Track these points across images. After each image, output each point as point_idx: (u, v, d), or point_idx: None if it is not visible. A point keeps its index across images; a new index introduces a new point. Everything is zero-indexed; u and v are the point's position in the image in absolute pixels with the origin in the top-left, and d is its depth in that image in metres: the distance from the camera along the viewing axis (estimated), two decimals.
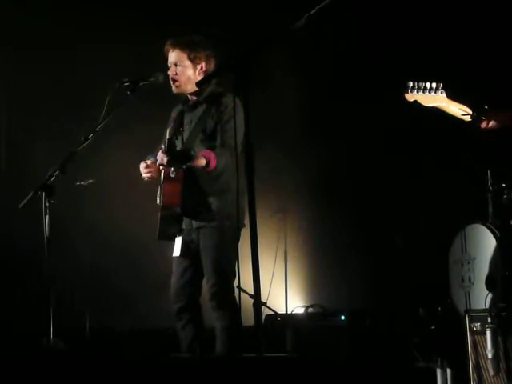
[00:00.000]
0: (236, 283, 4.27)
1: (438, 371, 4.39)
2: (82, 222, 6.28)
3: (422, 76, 4.26)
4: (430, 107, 4.18)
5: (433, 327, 5.60)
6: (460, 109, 4.23)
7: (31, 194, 4.02)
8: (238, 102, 3.73)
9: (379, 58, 6.92)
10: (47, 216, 3.96)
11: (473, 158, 5.35)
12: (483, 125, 4.20)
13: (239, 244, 4.36)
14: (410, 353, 5.36)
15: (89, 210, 6.32)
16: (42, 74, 6.61)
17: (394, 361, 5.27)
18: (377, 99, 6.73)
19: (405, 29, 6.77)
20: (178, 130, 4.50)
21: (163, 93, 4.55)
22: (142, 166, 4.48)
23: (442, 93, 4.17)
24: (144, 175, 4.48)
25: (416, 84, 4.15)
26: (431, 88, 4.15)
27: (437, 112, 4.22)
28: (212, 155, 4.27)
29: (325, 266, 7.45)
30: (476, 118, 4.15)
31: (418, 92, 4.16)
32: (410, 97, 4.18)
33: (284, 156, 7.36)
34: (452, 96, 4.15)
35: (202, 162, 4.26)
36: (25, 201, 4.04)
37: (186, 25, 6.54)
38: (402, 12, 6.76)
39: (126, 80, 4.23)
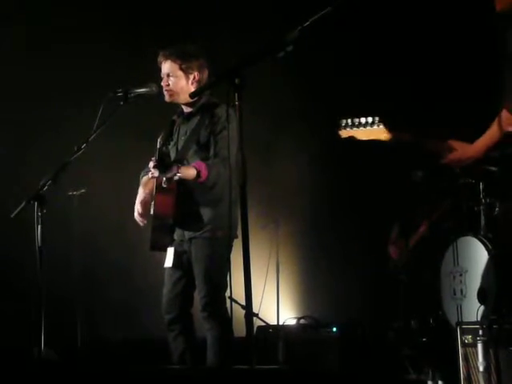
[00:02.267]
0: (228, 294, 4.27)
1: (430, 383, 4.39)
2: (74, 231, 6.26)
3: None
4: (367, 141, 4.10)
5: (424, 339, 5.60)
6: (402, 139, 4.16)
7: (23, 204, 4.00)
8: (231, 112, 3.74)
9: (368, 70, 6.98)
10: (39, 226, 3.95)
11: (464, 170, 5.37)
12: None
13: (231, 255, 4.36)
14: (401, 365, 5.37)
15: (81, 219, 6.30)
16: (35, 82, 6.61)
17: (386, 373, 5.27)
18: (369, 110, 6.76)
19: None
20: (168, 140, 4.52)
21: (156, 103, 4.56)
22: (138, 210, 4.47)
23: (378, 126, 4.09)
24: (136, 218, 4.49)
25: (350, 121, 4.07)
26: (366, 123, 4.06)
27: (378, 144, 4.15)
28: (203, 166, 4.27)
29: (317, 278, 7.46)
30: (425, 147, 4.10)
31: (352, 128, 4.08)
32: (345, 133, 4.10)
33: (277, 167, 7.37)
34: (392, 128, 4.09)
35: (193, 172, 4.26)
36: (17, 210, 4.03)
37: (181, 34, 6.56)
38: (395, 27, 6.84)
39: (119, 90, 4.23)
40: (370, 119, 4.02)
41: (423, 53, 6.81)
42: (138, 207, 4.50)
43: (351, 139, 4.01)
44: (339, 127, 4.01)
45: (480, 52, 6.20)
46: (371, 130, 4.05)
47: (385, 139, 4.04)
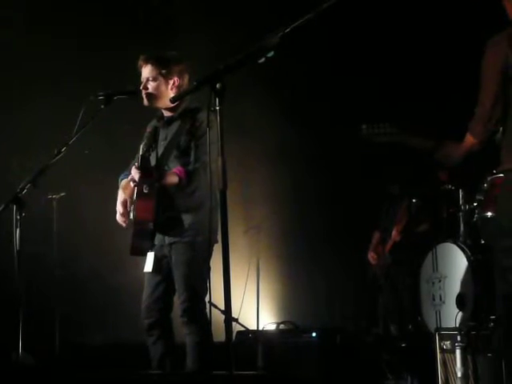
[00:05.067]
0: (207, 299, 4.27)
1: None
2: (54, 235, 6.23)
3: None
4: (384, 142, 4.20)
5: (403, 345, 5.63)
6: (416, 141, 4.26)
7: (2, 207, 3.99)
8: (212, 117, 3.73)
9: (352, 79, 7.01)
10: (18, 229, 3.93)
11: (446, 177, 5.42)
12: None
13: (212, 260, 4.36)
14: (380, 370, 5.38)
15: (60, 223, 6.27)
16: (15, 84, 6.59)
17: (365, 378, 5.28)
18: (351, 113, 6.82)
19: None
20: (151, 146, 4.50)
21: (137, 107, 4.55)
22: (119, 211, 4.47)
23: (396, 130, 4.18)
24: (118, 219, 4.48)
25: (369, 127, 4.18)
26: (384, 128, 4.18)
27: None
28: (184, 171, 4.27)
29: (297, 283, 7.48)
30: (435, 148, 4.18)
31: (372, 135, 4.19)
32: (366, 137, 4.22)
33: (257, 171, 7.39)
34: (405, 130, 4.18)
35: (175, 178, 4.26)
36: None
37: (164, 39, 6.57)
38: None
39: (101, 93, 4.22)
40: (386, 125, 4.13)
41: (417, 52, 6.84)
42: (119, 208, 4.49)
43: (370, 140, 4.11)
44: (360, 133, 4.11)
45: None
46: (388, 134, 4.16)
47: (399, 142, 4.14)
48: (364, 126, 4.17)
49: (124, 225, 4.48)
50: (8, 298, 3.98)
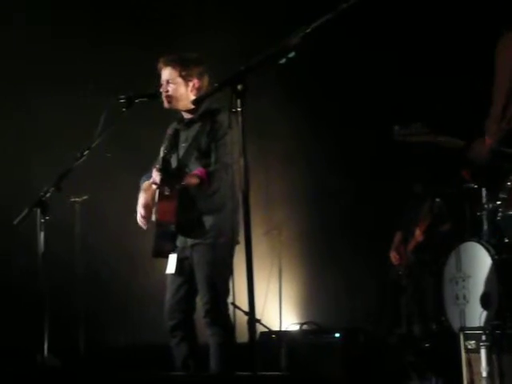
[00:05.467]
0: (230, 300, 4.27)
1: None
2: (77, 238, 6.26)
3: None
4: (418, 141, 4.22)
5: (427, 345, 5.60)
6: (447, 140, 4.27)
7: (26, 211, 4.01)
8: (233, 119, 3.74)
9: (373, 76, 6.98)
10: (42, 232, 3.95)
11: (469, 176, 5.38)
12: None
13: (234, 261, 4.37)
14: (404, 371, 5.36)
15: (83, 226, 6.30)
16: (37, 88, 6.63)
17: (389, 379, 5.26)
18: (373, 114, 6.80)
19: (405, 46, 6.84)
20: (172, 149, 4.51)
21: (159, 109, 4.57)
22: (141, 213, 4.48)
23: (428, 129, 4.19)
24: (139, 221, 4.49)
25: (402, 128, 4.20)
26: (416, 128, 4.20)
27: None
28: (206, 173, 4.28)
29: (319, 283, 7.46)
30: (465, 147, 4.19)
31: (404, 136, 4.21)
32: (398, 137, 4.23)
33: (278, 172, 7.38)
34: (437, 130, 4.19)
35: (196, 180, 4.27)
36: (20, 217, 4.03)
37: (184, 41, 6.59)
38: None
39: (122, 97, 4.24)
40: (418, 124, 4.14)
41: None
42: (140, 210, 4.50)
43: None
44: (394, 134, 4.13)
45: None
46: (420, 134, 4.17)
47: (432, 141, 4.15)
48: (396, 127, 4.18)
49: (144, 227, 4.49)
50: (33, 300, 4.01)
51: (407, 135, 4.19)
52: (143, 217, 4.48)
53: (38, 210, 3.98)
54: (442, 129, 4.30)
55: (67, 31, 6.78)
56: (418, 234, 6.37)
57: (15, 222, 4.05)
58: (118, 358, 6.30)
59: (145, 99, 4.33)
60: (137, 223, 4.54)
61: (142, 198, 4.52)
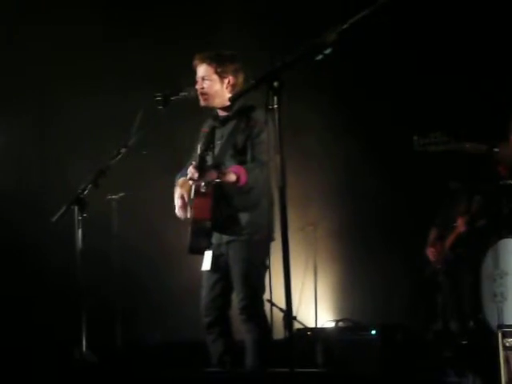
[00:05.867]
0: (266, 296, 4.28)
1: None
2: (114, 235, 6.32)
3: None
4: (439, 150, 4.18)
5: (464, 342, 5.55)
6: (469, 146, 4.22)
7: (64, 208, 4.05)
8: (269, 116, 3.73)
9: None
10: (80, 230, 3.99)
11: (505, 172, 5.33)
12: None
13: (269, 257, 4.37)
14: (441, 368, 5.32)
15: (120, 223, 6.35)
16: (76, 88, 6.69)
17: (426, 376, 5.22)
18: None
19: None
20: (208, 146, 4.52)
21: (195, 107, 4.58)
22: (178, 204, 4.50)
23: (447, 138, 4.14)
24: (177, 212, 4.51)
25: (421, 138, 4.15)
26: (435, 138, 4.14)
27: None
28: (242, 170, 4.28)
29: (355, 280, 7.43)
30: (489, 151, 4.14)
31: (424, 146, 4.17)
32: (418, 148, 4.19)
33: (313, 168, 7.37)
34: (457, 137, 4.14)
35: (233, 177, 4.27)
36: (58, 215, 4.08)
37: (218, 38, 6.60)
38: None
39: (158, 94, 4.27)
40: (438, 134, 4.10)
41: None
42: (177, 202, 4.51)
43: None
44: (414, 145, 4.11)
45: None
46: (441, 144, 4.14)
47: (455, 149, 4.11)
48: (415, 138, 4.13)
49: (183, 218, 4.50)
50: (71, 297, 4.05)
51: (427, 145, 4.14)
52: (181, 207, 4.49)
53: (76, 208, 4.02)
54: (462, 135, 4.24)
55: (98, 31, 6.82)
56: (461, 224, 6.29)
57: (53, 220, 4.09)
58: (155, 354, 6.34)
59: (180, 97, 4.35)
60: (173, 220, 4.56)
61: (177, 192, 4.54)
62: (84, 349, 4.04)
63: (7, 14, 6.67)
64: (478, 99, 6.55)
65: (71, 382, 3.60)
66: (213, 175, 4.27)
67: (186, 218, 4.48)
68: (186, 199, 4.49)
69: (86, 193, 4.05)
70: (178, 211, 4.51)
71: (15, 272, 6.54)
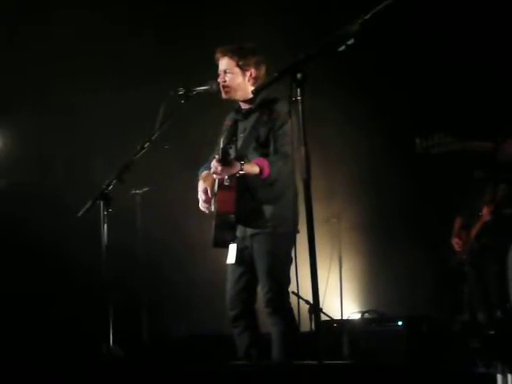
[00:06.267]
0: (291, 289, 4.27)
1: (499, 377, 4.32)
2: (138, 229, 6.35)
3: None
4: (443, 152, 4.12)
5: (492, 332, 5.52)
6: (474, 145, 4.15)
7: (90, 204, 4.07)
8: (292, 108, 3.72)
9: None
10: (105, 224, 4.01)
11: None
12: None
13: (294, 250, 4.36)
14: (469, 358, 5.29)
15: (144, 217, 6.38)
16: (100, 82, 6.73)
17: (454, 366, 5.20)
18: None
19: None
20: (231, 139, 4.51)
21: (217, 101, 4.58)
22: (202, 198, 4.50)
23: (451, 138, 4.08)
24: (201, 206, 4.51)
25: (423, 140, 4.09)
26: (439, 139, 4.07)
27: None
28: (265, 163, 4.27)
29: (380, 271, 7.41)
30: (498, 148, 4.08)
31: (427, 148, 4.11)
32: (421, 150, 4.13)
33: (337, 161, 7.35)
34: (461, 136, 4.08)
35: (256, 169, 4.27)
36: (83, 210, 4.10)
37: (239, 31, 6.59)
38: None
39: (181, 88, 4.27)
40: (441, 134, 4.04)
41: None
42: (201, 196, 4.52)
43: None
44: (416, 147, 4.06)
45: None
46: (445, 145, 4.08)
47: (461, 149, 4.05)
48: (418, 140, 4.06)
49: (207, 211, 4.51)
50: (97, 292, 4.07)
51: (430, 147, 4.07)
52: (205, 201, 4.50)
53: (101, 203, 4.03)
54: (466, 134, 4.17)
55: (119, 23, 6.84)
56: (486, 213, 6.25)
57: (79, 215, 4.12)
58: (181, 347, 6.37)
59: (202, 90, 4.35)
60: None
61: (201, 186, 4.55)
62: (111, 343, 4.06)
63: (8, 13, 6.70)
64: (487, 94, 6.52)
65: (99, 377, 3.62)
66: (236, 168, 4.26)
67: (210, 212, 4.49)
68: (210, 193, 4.49)
69: (110, 188, 4.06)
70: (202, 205, 4.52)
71: (42, 268, 6.60)
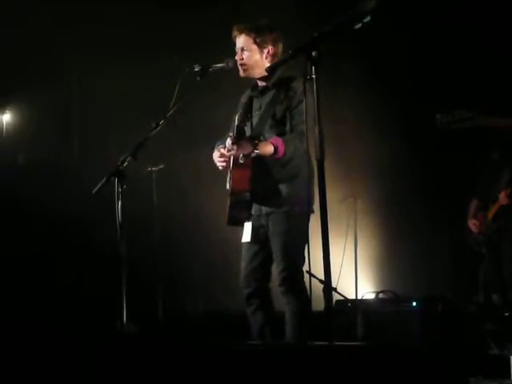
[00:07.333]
0: (306, 268, 4.26)
1: None
2: (154, 206, 6.36)
3: None
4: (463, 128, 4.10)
5: (507, 314, 5.50)
6: (495, 121, 4.12)
7: (104, 180, 4.08)
8: (307, 86, 3.69)
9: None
10: (120, 201, 4.01)
11: None
12: None
13: (309, 229, 4.34)
14: (483, 340, 5.28)
15: (160, 195, 6.39)
16: (117, 59, 6.72)
17: (468, 348, 5.19)
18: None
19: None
20: (246, 117, 4.49)
21: (233, 78, 4.55)
22: (216, 154, 4.47)
23: (472, 114, 4.06)
24: (218, 164, 4.48)
25: (444, 116, 4.07)
26: (460, 115, 4.05)
27: None
28: (280, 142, 4.24)
29: (396, 251, 7.39)
30: None
31: (448, 124, 4.09)
32: (441, 126, 4.11)
33: (353, 140, 7.32)
34: (482, 112, 4.04)
35: (270, 149, 4.23)
36: (98, 186, 4.10)
37: (255, 9, 6.54)
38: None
39: (196, 66, 4.25)
40: (462, 111, 4.01)
41: None
42: (216, 155, 4.47)
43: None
44: (436, 123, 4.02)
45: None
46: (467, 121, 4.05)
47: (482, 125, 4.02)
48: (438, 116, 4.05)
49: (221, 168, 4.44)
50: (112, 269, 4.08)
51: (450, 123, 4.05)
52: (219, 156, 4.44)
53: (116, 179, 4.04)
54: (486, 110, 4.14)
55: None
56: (503, 197, 6.21)
57: (94, 191, 4.12)
58: (196, 325, 6.39)
59: (218, 68, 4.33)
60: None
61: (215, 154, 4.49)
62: (125, 320, 4.08)
63: None
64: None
65: (112, 354, 3.63)
66: (250, 147, 4.24)
67: (223, 168, 4.44)
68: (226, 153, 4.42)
69: (125, 165, 4.06)
70: (216, 157, 4.45)
71: (58, 245, 6.63)
